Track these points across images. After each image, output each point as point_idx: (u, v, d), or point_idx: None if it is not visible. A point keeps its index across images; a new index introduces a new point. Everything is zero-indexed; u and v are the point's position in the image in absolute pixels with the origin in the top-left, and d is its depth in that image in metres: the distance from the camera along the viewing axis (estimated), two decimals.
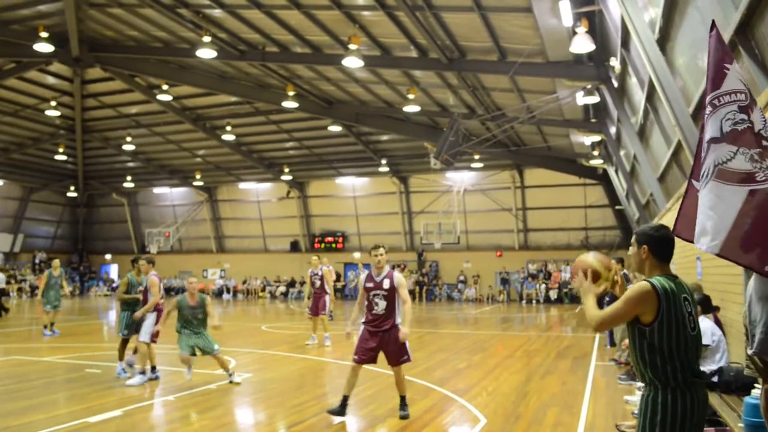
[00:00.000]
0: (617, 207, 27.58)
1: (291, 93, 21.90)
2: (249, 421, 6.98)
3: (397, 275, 6.87)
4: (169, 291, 33.70)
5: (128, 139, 30.55)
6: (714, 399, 5.61)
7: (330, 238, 36.01)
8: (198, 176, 35.62)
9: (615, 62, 13.16)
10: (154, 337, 8.92)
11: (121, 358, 9.14)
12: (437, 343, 13.95)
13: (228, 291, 36.39)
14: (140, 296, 9.21)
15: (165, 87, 23.77)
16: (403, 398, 6.77)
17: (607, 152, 21.99)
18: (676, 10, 7.80)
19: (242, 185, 37.57)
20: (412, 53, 18.02)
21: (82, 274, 41.32)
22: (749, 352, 3.93)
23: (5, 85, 24.88)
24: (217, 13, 17.68)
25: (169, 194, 40.09)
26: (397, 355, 6.69)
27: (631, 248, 3.27)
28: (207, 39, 17.55)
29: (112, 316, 22.78)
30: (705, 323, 6.33)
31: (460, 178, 32.44)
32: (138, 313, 8.92)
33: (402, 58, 18.52)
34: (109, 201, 41.02)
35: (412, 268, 33.97)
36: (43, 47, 19.60)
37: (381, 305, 6.75)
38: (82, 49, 22.04)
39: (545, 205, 31.29)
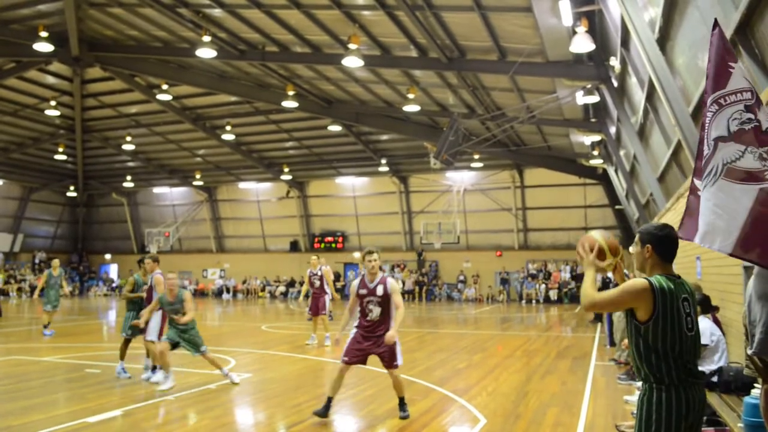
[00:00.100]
0: (617, 207, 27.57)
1: (291, 93, 21.90)
2: (248, 421, 6.98)
3: (391, 281, 6.79)
4: None
5: (128, 138, 30.55)
6: (713, 399, 5.61)
7: (330, 238, 36.01)
8: (198, 176, 35.62)
9: (615, 62, 13.16)
10: (160, 335, 8.95)
11: (122, 357, 9.13)
12: (437, 343, 13.95)
13: (228, 291, 36.38)
14: (145, 294, 9.21)
15: (165, 86, 23.77)
16: (401, 399, 6.75)
17: (607, 152, 21.99)
18: (676, 10, 7.80)
19: (242, 185, 37.57)
20: (411, 53, 18.02)
21: (81, 273, 41.33)
22: (749, 351, 3.93)
23: (5, 84, 24.88)
24: (217, 12, 17.67)
25: (169, 194, 40.09)
26: (390, 358, 6.63)
27: (633, 247, 3.27)
28: (207, 38, 17.54)
29: (112, 316, 22.78)
30: (704, 323, 6.33)
31: (459, 178, 32.44)
32: (145, 313, 8.86)
33: (402, 58, 18.51)
34: (108, 201, 41.01)
35: (411, 267, 33.98)
36: (43, 47, 19.59)
37: (375, 312, 6.67)
38: (81, 48, 22.04)
39: (545, 204, 31.30)
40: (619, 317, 10.94)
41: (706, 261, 8.97)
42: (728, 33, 5.62)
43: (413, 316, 23.09)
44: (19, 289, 35.27)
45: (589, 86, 15.86)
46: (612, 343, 11.91)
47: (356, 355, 6.63)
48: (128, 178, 36.96)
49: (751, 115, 3.47)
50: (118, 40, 22.32)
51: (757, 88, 5.33)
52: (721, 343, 6.30)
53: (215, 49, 18.14)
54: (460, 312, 24.82)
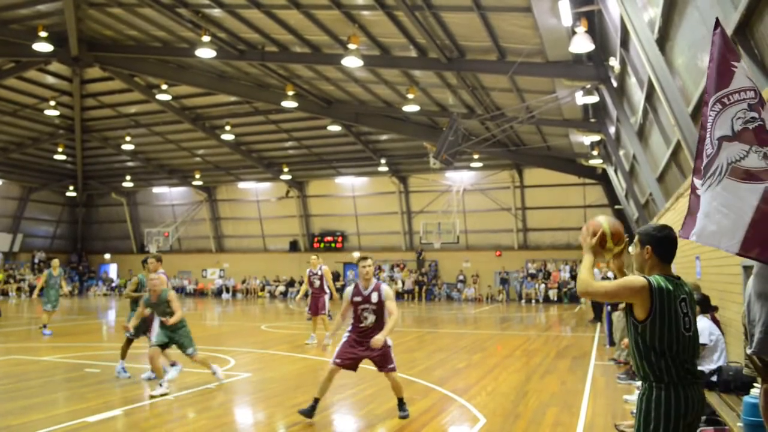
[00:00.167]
0: (616, 207, 27.56)
1: (290, 93, 21.90)
2: (248, 420, 6.98)
3: (385, 287, 6.73)
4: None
5: (127, 138, 30.55)
6: (713, 398, 5.62)
7: (329, 238, 36.02)
8: (197, 176, 35.62)
9: (614, 62, 13.17)
10: None
11: (123, 356, 9.13)
12: (436, 343, 13.95)
13: (227, 291, 36.39)
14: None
15: (164, 86, 23.77)
16: (400, 399, 6.73)
17: (607, 152, 22.00)
18: (676, 10, 7.80)
19: (241, 185, 37.57)
20: (411, 53, 18.03)
21: (81, 273, 41.33)
22: (748, 351, 3.93)
23: (4, 84, 24.87)
24: (216, 12, 17.67)
25: (169, 194, 40.08)
26: (384, 362, 6.59)
27: (632, 248, 3.28)
28: (206, 39, 17.54)
29: (112, 315, 22.77)
30: (703, 322, 6.34)
31: (459, 178, 32.45)
32: (133, 319, 8.87)
33: (401, 58, 18.52)
34: (108, 201, 41.02)
35: (411, 267, 33.98)
36: (43, 47, 19.59)
37: (370, 319, 6.61)
38: (81, 48, 22.03)
39: (544, 204, 31.31)
40: (618, 317, 10.95)
41: (705, 261, 8.98)
42: (728, 33, 5.62)
43: (413, 315, 23.09)
44: (19, 289, 35.27)
45: (588, 86, 15.87)
46: (611, 343, 11.92)
47: (348, 359, 6.58)
48: (128, 178, 36.96)
49: (755, 114, 3.48)
50: (118, 40, 22.31)
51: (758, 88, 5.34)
52: (720, 342, 6.30)
53: (215, 49, 18.14)
54: (460, 312, 24.83)
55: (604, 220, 3.24)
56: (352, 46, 16.34)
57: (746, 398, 4.69)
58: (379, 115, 25.51)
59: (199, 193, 38.46)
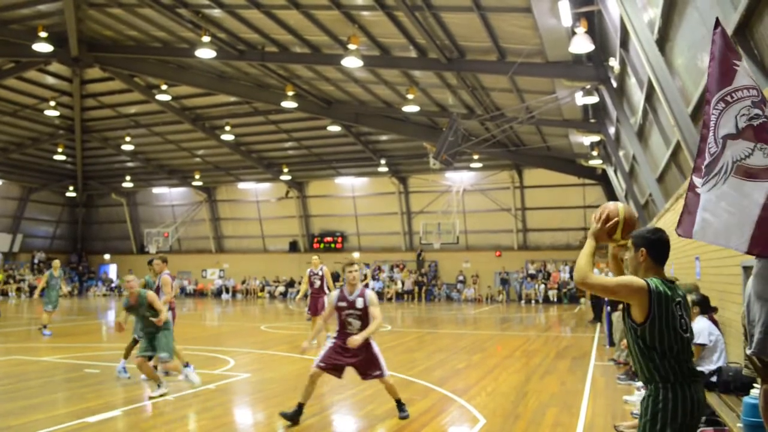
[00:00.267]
0: None
1: (290, 93, 21.90)
2: (248, 421, 6.98)
3: (369, 293, 6.67)
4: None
5: (127, 139, 30.55)
6: (713, 399, 5.62)
7: (329, 238, 36.02)
8: (197, 176, 35.62)
9: (614, 62, 13.17)
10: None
11: (125, 356, 9.15)
12: (436, 343, 13.95)
13: (227, 291, 36.39)
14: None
15: (164, 87, 23.76)
16: (398, 401, 6.69)
17: (606, 152, 22.00)
18: (675, 11, 7.81)
19: (241, 185, 37.56)
20: (411, 53, 18.03)
21: (80, 274, 41.31)
22: (748, 351, 3.93)
23: (4, 84, 24.87)
24: (216, 13, 17.67)
25: (168, 194, 40.08)
26: (367, 368, 6.54)
27: (627, 252, 3.28)
28: (206, 39, 17.54)
29: (111, 316, 22.77)
30: (702, 323, 6.34)
31: (459, 178, 32.45)
32: (162, 317, 8.92)
33: (401, 58, 18.52)
34: (108, 201, 41.01)
35: (411, 268, 33.98)
36: (43, 47, 19.59)
37: (355, 325, 6.54)
38: (81, 48, 22.03)
39: (544, 205, 31.32)
40: (618, 317, 10.95)
41: (705, 261, 8.98)
42: (728, 33, 5.63)
43: (413, 316, 23.10)
44: (18, 289, 35.27)
45: (588, 87, 15.87)
46: (611, 343, 11.92)
47: (332, 364, 6.50)
48: (127, 178, 36.96)
49: (759, 111, 3.47)
50: (118, 41, 22.31)
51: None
52: (719, 343, 6.30)
53: (214, 49, 18.14)
54: (460, 312, 24.83)
55: (623, 210, 3.15)
56: (352, 47, 16.34)
57: (746, 399, 4.69)
58: (379, 116, 25.52)
59: (199, 194, 38.46)
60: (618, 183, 23.02)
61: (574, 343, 13.97)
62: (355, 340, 6.32)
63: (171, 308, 9.04)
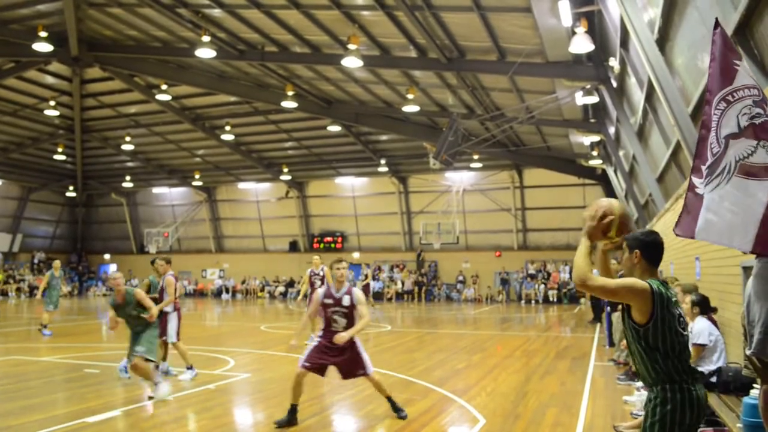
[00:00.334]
0: None
1: (290, 93, 21.90)
2: (248, 421, 6.98)
3: (357, 291, 6.65)
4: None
5: (127, 138, 30.55)
6: (712, 399, 5.61)
7: (329, 238, 36.02)
8: (197, 176, 35.62)
9: (614, 62, 13.17)
10: (178, 336, 9.09)
11: (129, 355, 9.16)
12: (436, 343, 13.95)
13: (227, 291, 36.39)
14: (158, 296, 9.24)
15: (164, 87, 23.76)
16: (390, 399, 6.64)
17: (606, 152, 22.00)
18: (675, 11, 7.81)
19: (241, 185, 37.57)
20: (411, 53, 18.03)
21: (80, 273, 41.31)
22: (748, 352, 3.93)
23: (4, 84, 24.87)
24: (216, 12, 17.67)
25: (168, 194, 40.08)
26: (351, 368, 6.50)
27: (622, 254, 3.29)
28: (206, 39, 17.54)
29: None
30: (702, 323, 6.33)
31: (459, 178, 32.45)
32: (153, 312, 8.96)
33: (401, 58, 18.52)
34: (107, 201, 41.01)
35: (411, 268, 33.98)
36: (42, 47, 19.59)
37: (341, 323, 6.49)
38: (81, 48, 22.03)
39: (544, 205, 31.32)
40: (617, 318, 10.95)
41: (705, 261, 8.98)
42: (727, 33, 5.63)
43: (412, 316, 23.10)
44: (18, 289, 35.27)
45: (588, 87, 15.87)
46: (611, 344, 11.92)
47: (317, 364, 6.45)
48: (127, 178, 36.96)
49: (760, 110, 3.47)
50: (118, 40, 22.31)
51: None
52: (719, 343, 6.30)
53: (214, 49, 18.14)
54: (460, 312, 24.83)
55: (618, 207, 3.12)
56: (352, 46, 16.34)
57: (746, 399, 4.69)
58: (379, 116, 25.52)
59: (199, 194, 38.46)
60: (618, 183, 23.02)
61: (574, 343, 13.96)
62: (342, 337, 6.29)
63: (176, 309, 9.11)
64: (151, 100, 26.05)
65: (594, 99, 16.39)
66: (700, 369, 5.72)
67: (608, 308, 12.36)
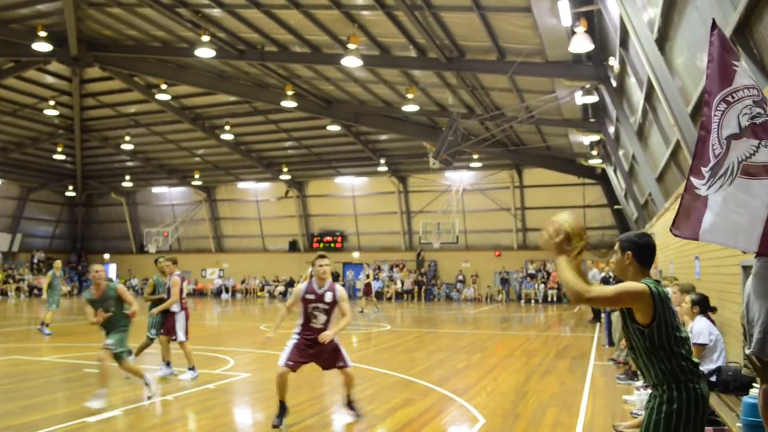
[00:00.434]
0: (616, 207, 27.61)
1: (290, 92, 21.90)
2: (248, 421, 6.98)
3: (339, 288, 6.59)
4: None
5: (127, 138, 30.55)
6: (712, 399, 5.62)
7: (329, 238, 36.02)
8: (197, 176, 35.62)
9: (614, 62, 13.17)
10: (186, 335, 9.14)
11: (136, 354, 9.21)
12: (436, 343, 13.95)
13: (227, 291, 36.39)
14: (165, 296, 9.27)
15: (164, 86, 23.76)
16: (349, 398, 6.57)
17: (606, 152, 22.01)
18: (675, 10, 7.81)
19: (241, 185, 37.56)
20: (411, 53, 18.03)
21: (80, 273, 41.29)
22: (747, 351, 3.93)
23: (4, 84, 24.87)
24: (216, 12, 17.67)
25: (168, 194, 40.08)
26: (331, 361, 6.46)
27: (614, 255, 3.33)
28: (206, 38, 17.54)
29: None
30: (702, 323, 6.34)
31: (459, 178, 32.45)
32: (155, 310, 9.12)
33: (401, 58, 18.52)
34: (107, 200, 41.01)
35: (410, 267, 33.99)
36: (42, 46, 19.59)
37: (321, 319, 6.42)
38: (80, 48, 22.02)
39: (544, 204, 31.29)
40: (617, 317, 10.96)
41: (704, 261, 8.98)
42: (727, 33, 5.62)
43: (412, 316, 23.10)
44: (18, 289, 35.27)
45: (588, 86, 15.88)
46: (611, 343, 11.92)
47: (299, 361, 6.40)
48: (127, 177, 36.95)
49: (761, 110, 3.47)
50: (117, 40, 22.31)
51: None
52: (719, 342, 6.30)
53: (214, 48, 18.14)
54: (459, 312, 24.83)
55: (564, 219, 3.15)
56: (351, 46, 16.34)
57: (745, 398, 4.69)
58: (378, 115, 25.52)
59: (199, 193, 38.45)
60: (618, 182, 23.03)
61: (574, 342, 13.97)
62: (327, 335, 6.25)
63: (183, 308, 9.16)
64: (151, 100, 26.05)
65: (594, 98, 16.39)
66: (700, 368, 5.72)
67: (607, 308, 12.36)
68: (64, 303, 21.89)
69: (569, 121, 20.95)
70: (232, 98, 25.47)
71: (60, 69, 24.26)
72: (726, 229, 3.49)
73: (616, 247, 3.28)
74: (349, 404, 6.60)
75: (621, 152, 18.41)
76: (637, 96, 12.32)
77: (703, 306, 6.57)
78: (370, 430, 6.43)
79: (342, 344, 6.64)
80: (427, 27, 15.60)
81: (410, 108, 20.93)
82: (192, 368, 8.90)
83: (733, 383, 5.81)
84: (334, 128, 26.88)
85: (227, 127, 27.67)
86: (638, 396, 7.15)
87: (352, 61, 16.72)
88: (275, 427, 6.22)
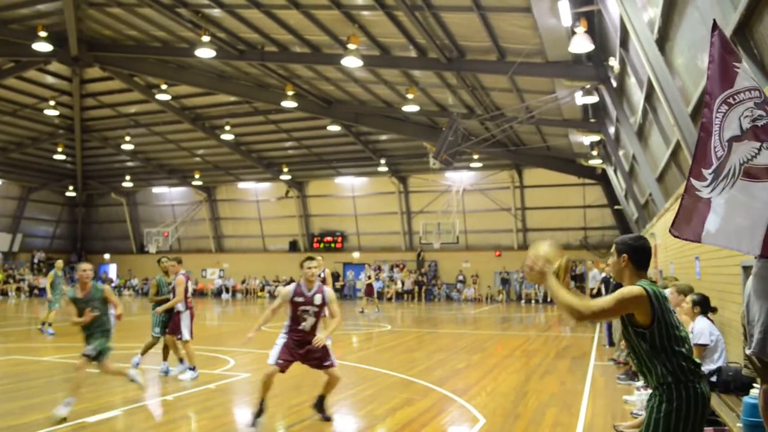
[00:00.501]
0: (616, 207, 27.61)
1: (290, 93, 21.90)
2: (248, 421, 6.97)
3: (328, 290, 6.58)
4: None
5: (127, 138, 30.56)
6: (713, 399, 5.61)
7: (329, 238, 36.03)
8: (197, 176, 35.62)
9: (614, 62, 13.17)
10: (192, 334, 9.15)
11: (142, 353, 9.22)
12: (436, 343, 13.95)
13: (227, 291, 36.39)
14: (170, 296, 9.29)
15: (164, 86, 23.77)
16: (322, 398, 6.56)
17: (606, 152, 22.01)
18: (675, 10, 7.81)
19: (241, 185, 37.57)
20: (411, 53, 18.03)
21: None
22: (747, 351, 3.93)
23: (4, 84, 24.87)
24: (216, 12, 17.67)
25: (168, 194, 40.08)
26: (319, 360, 6.45)
27: (611, 257, 3.37)
28: (206, 38, 17.54)
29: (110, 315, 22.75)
30: (703, 323, 6.33)
31: (459, 178, 32.45)
32: (159, 309, 9.12)
33: (401, 58, 18.52)
34: (107, 200, 41.02)
35: (411, 267, 33.99)
36: (42, 46, 19.59)
37: (309, 321, 6.42)
38: (81, 48, 22.03)
39: (544, 204, 31.33)
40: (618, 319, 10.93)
41: (705, 261, 8.98)
42: (727, 33, 5.62)
43: (412, 316, 23.10)
44: (18, 289, 35.27)
45: (588, 86, 15.87)
46: (611, 343, 11.93)
47: (289, 361, 6.40)
48: (127, 177, 36.96)
49: (762, 112, 3.47)
50: (117, 40, 22.31)
51: None
52: (720, 342, 6.30)
53: (214, 49, 18.14)
54: (460, 312, 24.83)
55: (541, 247, 3.23)
56: (351, 46, 16.33)
57: (746, 399, 4.69)
58: (378, 115, 25.52)
59: (199, 193, 38.46)
60: (618, 183, 23.03)
61: (574, 342, 13.97)
62: (321, 340, 6.29)
63: (188, 307, 9.18)
64: (151, 100, 26.05)
65: (594, 99, 16.39)
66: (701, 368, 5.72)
67: (612, 319, 12.35)
68: (63, 303, 21.89)
69: (569, 121, 20.95)
70: (233, 98, 25.47)
71: (60, 69, 24.26)
72: (729, 231, 3.49)
73: (613, 249, 3.33)
74: (321, 404, 6.57)
75: (621, 152, 18.41)
76: (638, 96, 12.32)
77: (704, 306, 6.57)
78: (370, 430, 6.43)
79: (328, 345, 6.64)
80: (427, 27, 15.60)
81: (410, 108, 20.93)
82: (193, 368, 8.91)
83: (733, 383, 5.81)
84: (335, 128, 26.88)
85: (227, 127, 27.67)
86: (638, 396, 7.15)
87: (352, 62, 16.72)
88: (252, 426, 6.17)
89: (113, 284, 40.03)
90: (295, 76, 22.43)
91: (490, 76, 18.37)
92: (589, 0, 11.77)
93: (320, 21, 16.87)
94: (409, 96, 20.35)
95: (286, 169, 33.40)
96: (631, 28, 8.97)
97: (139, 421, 6.67)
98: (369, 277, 26.02)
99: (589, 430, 6.28)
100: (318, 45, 18.84)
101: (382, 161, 30.98)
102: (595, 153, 22.79)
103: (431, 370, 9.90)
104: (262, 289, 36.22)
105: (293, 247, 36.96)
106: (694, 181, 3.67)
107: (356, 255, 35.17)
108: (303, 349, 6.40)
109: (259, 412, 6.21)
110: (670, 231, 3.81)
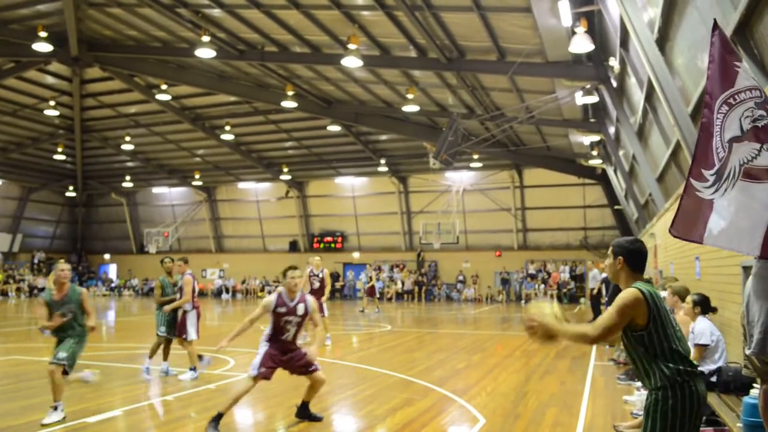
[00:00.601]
0: (616, 207, 27.61)
1: (290, 93, 21.90)
2: (248, 421, 6.98)
3: (310, 299, 6.52)
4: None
5: (127, 138, 30.56)
6: (712, 399, 5.62)
7: (329, 238, 36.03)
8: (197, 176, 35.62)
9: (614, 62, 13.18)
10: (197, 334, 9.27)
11: (150, 356, 9.21)
12: (436, 343, 13.95)
13: (227, 291, 36.40)
14: (175, 296, 9.30)
15: (164, 87, 23.77)
16: (306, 404, 6.58)
17: (606, 152, 22.01)
18: (675, 10, 7.81)
19: (241, 185, 37.57)
20: (411, 53, 18.03)
21: (80, 273, 41.29)
22: (747, 352, 3.93)
23: (4, 84, 24.88)
24: (216, 12, 17.67)
25: (168, 194, 40.09)
26: (306, 366, 6.44)
27: (607, 259, 3.41)
28: (206, 39, 17.54)
29: (111, 316, 22.76)
30: (703, 323, 6.33)
31: (459, 178, 32.45)
32: (167, 308, 9.18)
33: (401, 58, 18.53)
34: (107, 201, 41.02)
35: (411, 268, 33.99)
36: (42, 47, 19.59)
37: (292, 332, 6.41)
38: (81, 48, 22.04)
39: (544, 204, 31.32)
40: None
41: (705, 261, 8.98)
42: (727, 33, 5.62)
43: (412, 316, 23.10)
44: (18, 289, 35.27)
45: (588, 86, 15.88)
46: (611, 344, 11.91)
47: (272, 369, 6.38)
48: (127, 178, 36.96)
49: (763, 112, 3.46)
50: (118, 40, 22.31)
51: None
52: (720, 342, 6.30)
53: (214, 49, 18.14)
54: (460, 312, 24.83)
55: (534, 309, 3.43)
56: (351, 46, 16.33)
57: (746, 399, 4.69)
58: (378, 115, 25.52)
59: (199, 193, 38.46)
60: (618, 183, 23.03)
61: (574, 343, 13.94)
62: (314, 354, 6.35)
63: (195, 307, 9.28)
64: (151, 100, 26.06)
65: (594, 99, 16.39)
66: (700, 369, 5.72)
67: (608, 308, 12.35)
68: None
69: (569, 121, 20.95)
70: (233, 98, 25.48)
71: (60, 69, 24.27)
72: (730, 233, 3.49)
73: (609, 251, 3.37)
74: (306, 410, 6.54)
75: (621, 152, 18.41)
76: (638, 96, 12.32)
77: (704, 307, 6.57)
78: (370, 430, 6.43)
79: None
80: (427, 27, 15.61)
81: (410, 108, 20.93)
82: (193, 368, 8.91)
83: (733, 383, 5.80)
84: (335, 128, 26.89)
85: (227, 128, 27.67)
86: (638, 396, 7.15)
87: (352, 62, 16.72)
88: (213, 430, 5.97)
89: (113, 284, 40.06)
90: (295, 76, 22.43)
91: (490, 76, 18.37)
92: (589, 0, 11.77)
93: (320, 21, 16.88)
94: (409, 96, 20.36)
95: (286, 169, 33.40)
96: (631, 28, 8.97)
97: (139, 421, 6.67)
98: (371, 278, 26.02)
99: (589, 430, 6.28)
100: (318, 45, 18.84)
101: (382, 161, 30.98)
102: (595, 153, 22.79)
103: (431, 370, 9.90)
104: (262, 290, 36.20)
105: (293, 247, 36.96)
106: (693, 182, 3.66)
107: (356, 255, 35.17)
108: (286, 356, 6.40)
109: (219, 419, 6.05)
110: (669, 231, 3.81)
